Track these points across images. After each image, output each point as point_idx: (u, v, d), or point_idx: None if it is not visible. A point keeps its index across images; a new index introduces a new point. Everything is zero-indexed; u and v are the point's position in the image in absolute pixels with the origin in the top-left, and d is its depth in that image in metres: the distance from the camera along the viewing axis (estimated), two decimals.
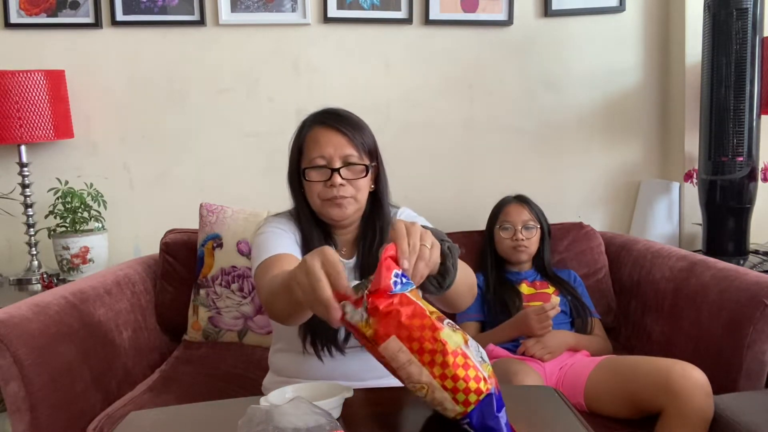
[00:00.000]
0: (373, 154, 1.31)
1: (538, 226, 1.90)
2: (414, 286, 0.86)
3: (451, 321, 0.86)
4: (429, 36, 2.34)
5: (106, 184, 2.26)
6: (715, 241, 2.12)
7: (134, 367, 1.71)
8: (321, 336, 1.25)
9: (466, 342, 0.84)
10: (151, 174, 2.31)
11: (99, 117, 2.27)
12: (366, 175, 1.26)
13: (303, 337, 1.26)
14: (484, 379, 0.82)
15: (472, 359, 0.82)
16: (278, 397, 0.95)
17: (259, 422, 0.81)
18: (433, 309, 0.85)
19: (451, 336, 0.82)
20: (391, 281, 0.81)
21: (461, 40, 2.35)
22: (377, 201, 1.34)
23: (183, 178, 2.32)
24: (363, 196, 1.28)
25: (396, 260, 0.84)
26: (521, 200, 1.93)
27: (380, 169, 1.34)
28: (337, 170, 1.23)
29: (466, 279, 1.09)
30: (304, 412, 0.84)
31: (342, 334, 1.26)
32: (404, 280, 0.84)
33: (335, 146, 1.24)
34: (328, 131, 1.26)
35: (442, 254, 0.94)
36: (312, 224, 1.31)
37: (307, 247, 1.27)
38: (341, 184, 1.23)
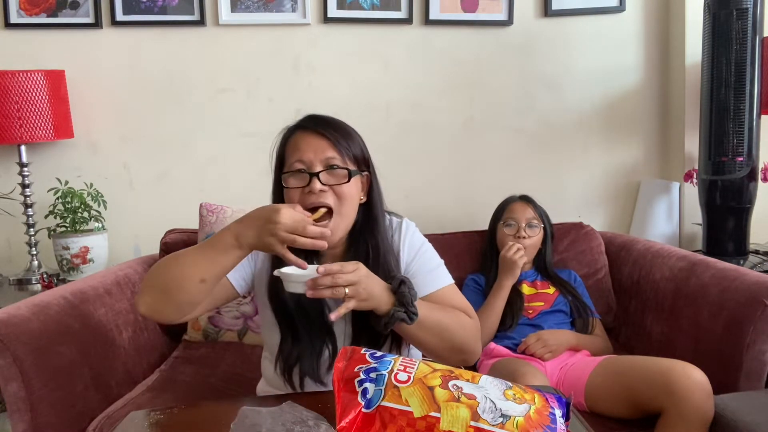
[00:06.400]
0: (362, 162, 1.21)
1: (542, 226, 1.90)
2: (391, 363, 0.82)
3: (455, 383, 0.80)
4: (429, 36, 2.34)
5: (106, 184, 2.26)
6: (715, 241, 2.12)
7: (134, 367, 1.71)
8: (299, 367, 1.19)
9: (475, 411, 0.77)
10: (151, 174, 2.31)
11: (99, 117, 2.27)
12: (348, 181, 1.15)
13: (281, 371, 1.20)
14: None
15: (487, 427, 0.76)
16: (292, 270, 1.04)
17: (251, 425, 0.81)
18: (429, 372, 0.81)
19: (456, 418, 0.75)
20: (359, 397, 0.77)
21: (461, 40, 2.35)
22: (370, 213, 1.23)
23: (183, 178, 2.32)
24: (347, 211, 1.17)
25: (340, 377, 0.81)
26: (526, 199, 1.94)
27: (373, 180, 1.23)
28: (317, 175, 1.13)
29: (439, 336, 1.14)
30: (296, 414, 0.84)
31: (325, 359, 1.19)
32: (371, 375, 0.79)
33: (316, 150, 1.14)
34: (309, 135, 1.16)
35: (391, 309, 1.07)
36: None
37: (279, 265, 1.12)
38: (321, 191, 1.13)
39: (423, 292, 1.20)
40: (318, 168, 1.14)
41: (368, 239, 1.21)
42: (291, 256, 1.03)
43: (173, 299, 1.08)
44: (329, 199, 1.14)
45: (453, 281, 1.27)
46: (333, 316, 1.02)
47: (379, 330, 1.09)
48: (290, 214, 1.01)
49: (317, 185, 1.13)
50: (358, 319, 1.17)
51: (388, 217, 1.28)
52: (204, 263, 1.05)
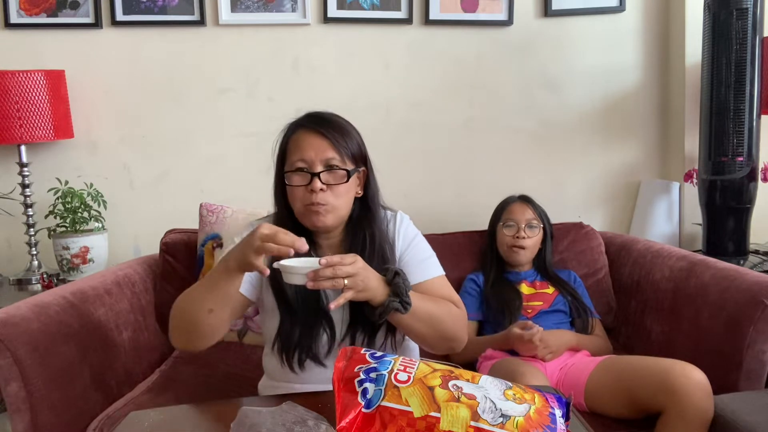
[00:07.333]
0: (359, 159, 1.26)
1: (541, 226, 1.90)
2: (391, 363, 0.82)
3: (455, 383, 0.80)
4: (429, 36, 2.34)
5: (106, 184, 2.26)
6: (715, 241, 2.12)
7: (134, 367, 1.71)
8: (297, 348, 1.23)
9: (475, 411, 0.77)
10: (151, 174, 2.31)
11: (99, 117, 2.27)
12: (347, 181, 1.22)
13: (279, 351, 1.25)
14: None
15: (487, 427, 0.76)
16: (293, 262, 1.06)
17: (251, 425, 0.81)
18: (430, 371, 0.81)
19: (456, 418, 0.76)
20: (359, 398, 0.77)
21: (461, 40, 2.35)
22: (366, 206, 1.29)
23: (183, 178, 2.32)
24: (343, 204, 1.24)
25: (340, 377, 0.81)
26: (525, 200, 1.93)
27: (370, 175, 1.30)
28: (317, 175, 1.19)
29: (430, 326, 1.19)
30: (296, 414, 0.85)
31: (323, 343, 1.24)
32: (371, 375, 0.79)
33: (316, 150, 1.20)
34: (310, 135, 1.22)
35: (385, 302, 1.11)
36: (293, 231, 1.19)
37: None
38: (321, 189, 1.19)
39: (414, 281, 1.25)
40: (319, 168, 1.20)
41: (365, 229, 1.28)
42: (259, 264, 1.04)
43: (195, 333, 1.16)
44: (327, 197, 1.20)
45: (443, 273, 1.33)
46: (332, 306, 1.07)
47: (373, 320, 1.15)
48: (269, 226, 1.05)
49: (318, 184, 1.19)
50: (355, 304, 1.20)
51: (382, 210, 1.33)
52: (206, 295, 1.13)
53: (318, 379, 1.24)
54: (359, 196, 1.29)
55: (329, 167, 1.21)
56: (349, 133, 1.26)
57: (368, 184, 1.29)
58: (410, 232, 1.34)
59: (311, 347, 1.23)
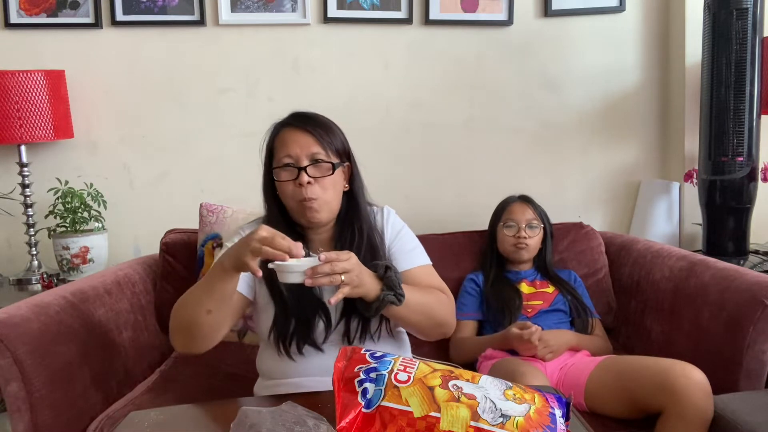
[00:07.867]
0: (343, 154, 1.32)
1: (542, 226, 1.90)
2: (391, 363, 0.83)
3: (455, 383, 0.80)
4: (429, 36, 2.34)
5: (106, 184, 2.26)
6: (715, 241, 2.12)
7: (134, 367, 1.71)
8: (295, 336, 1.26)
9: (475, 411, 0.77)
10: (151, 174, 2.31)
11: (99, 117, 2.27)
12: (332, 173, 1.27)
13: (275, 340, 1.27)
14: None
15: (487, 427, 0.76)
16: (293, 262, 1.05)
17: (251, 425, 0.81)
18: (431, 371, 0.82)
19: (456, 418, 0.76)
20: (359, 398, 0.78)
21: (461, 40, 2.35)
22: (353, 200, 1.35)
23: (183, 178, 2.32)
24: (332, 197, 1.29)
25: (340, 377, 0.81)
26: (525, 200, 1.94)
27: (354, 169, 1.35)
28: (304, 169, 1.24)
29: (423, 314, 1.24)
30: (296, 414, 0.84)
31: (320, 331, 1.27)
32: (371, 375, 0.80)
33: (302, 145, 1.26)
34: (295, 132, 1.28)
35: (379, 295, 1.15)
36: (283, 227, 1.25)
37: None
38: (309, 182, 1.24)
39: (402, 268, 1.31)
40: (305, 162, 1.26)
41: (354, 222, 1.33)
42: (253, 265, 1.05)
43: (196, 335, 1.17)
44: (316, 190, 1.25)
45: (430, 262, 1.38)
46: (333, 301, 1.09)
47: (368, 316, 1.19)
48: (267, 228, 1.07)
49: (305, 178, 1.24)
50: None
51: (368, 206, 1.39)
52: (203, 296, 1.14)
53: (317, 367, 1.26)
54: (346, 190, 1.34)
55: (315, 161, 1.26)
56: (332, 130, 1.31)
57: (353, 178, 1.35)
58: (397, 224, 1.40)
59: (309, 334, 1.26)
